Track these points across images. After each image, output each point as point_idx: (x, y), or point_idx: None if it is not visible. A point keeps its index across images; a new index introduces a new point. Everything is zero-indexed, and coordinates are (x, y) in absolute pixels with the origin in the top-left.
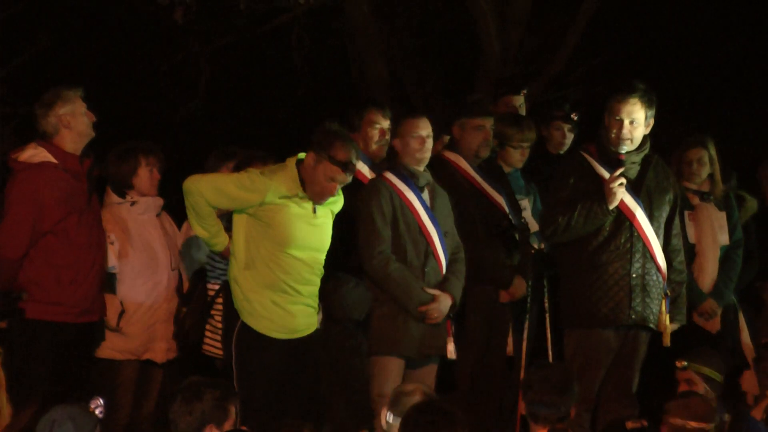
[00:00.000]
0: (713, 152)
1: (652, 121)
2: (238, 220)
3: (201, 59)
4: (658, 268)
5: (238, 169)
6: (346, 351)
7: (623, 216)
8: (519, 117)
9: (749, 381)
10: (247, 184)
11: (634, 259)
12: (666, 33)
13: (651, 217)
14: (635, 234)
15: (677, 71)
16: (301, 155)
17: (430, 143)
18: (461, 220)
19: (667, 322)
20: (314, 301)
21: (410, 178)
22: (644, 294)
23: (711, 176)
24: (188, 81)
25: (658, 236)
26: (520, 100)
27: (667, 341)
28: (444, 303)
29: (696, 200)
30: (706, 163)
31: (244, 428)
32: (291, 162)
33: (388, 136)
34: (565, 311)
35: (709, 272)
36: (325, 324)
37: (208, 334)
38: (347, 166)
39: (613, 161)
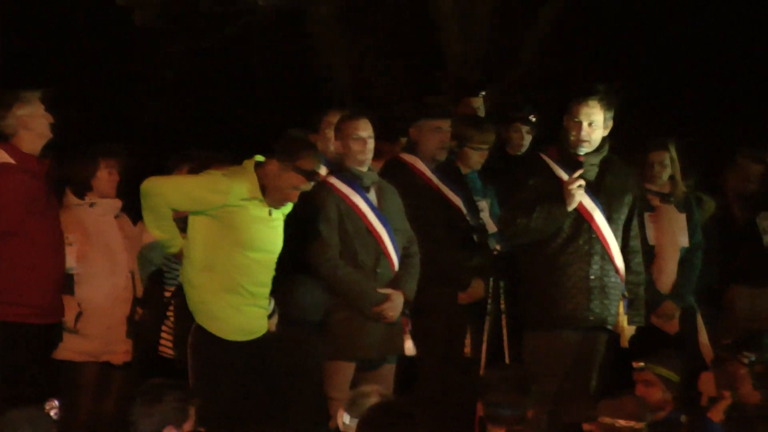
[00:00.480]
0: (674, 154)
1: (611, 123)
2: (196, 222)
3: (164, 60)
4: (617, 270)
5: (194, 171)
6: (303, 352)
7: (582, 218)
8: (478, 118)
9: (706, 382)
10: (210, 185)
11: (592, 261)
12: (630, 35)
13: (609, 219)
14: (593, 236)
15: (641, 73)
16: (259, 158)
17: (371, 144)
18: (419, 222)
19: (625, 323)
20: (266, 303)
21: (354, 181)
22: (603, 296)
23: (672, 178)
24: (152, 83)
25: (616, 238)
26: (478, 102)
27: (624, 342)
28: (397, 301)
29: (657, 202)
30: (667, 165)
31: (202, 430)
32: (249, 165)
33: None
34: (525, 313)
35: (668, 274)
36: (281, 325)
37: (163, 335)
38: (312, 176)
39: (573, 163)
